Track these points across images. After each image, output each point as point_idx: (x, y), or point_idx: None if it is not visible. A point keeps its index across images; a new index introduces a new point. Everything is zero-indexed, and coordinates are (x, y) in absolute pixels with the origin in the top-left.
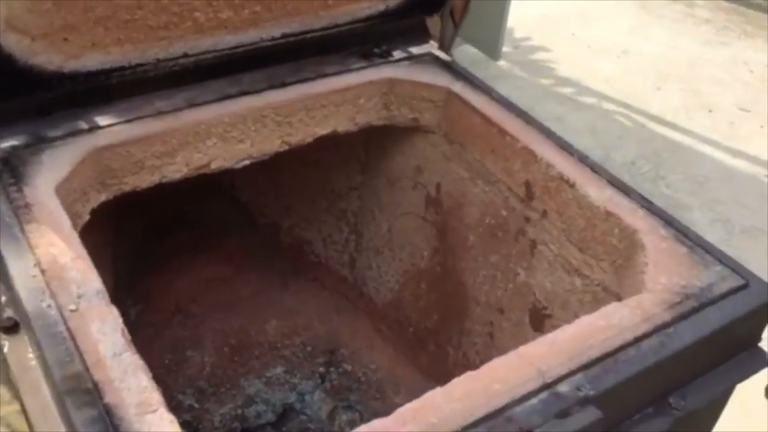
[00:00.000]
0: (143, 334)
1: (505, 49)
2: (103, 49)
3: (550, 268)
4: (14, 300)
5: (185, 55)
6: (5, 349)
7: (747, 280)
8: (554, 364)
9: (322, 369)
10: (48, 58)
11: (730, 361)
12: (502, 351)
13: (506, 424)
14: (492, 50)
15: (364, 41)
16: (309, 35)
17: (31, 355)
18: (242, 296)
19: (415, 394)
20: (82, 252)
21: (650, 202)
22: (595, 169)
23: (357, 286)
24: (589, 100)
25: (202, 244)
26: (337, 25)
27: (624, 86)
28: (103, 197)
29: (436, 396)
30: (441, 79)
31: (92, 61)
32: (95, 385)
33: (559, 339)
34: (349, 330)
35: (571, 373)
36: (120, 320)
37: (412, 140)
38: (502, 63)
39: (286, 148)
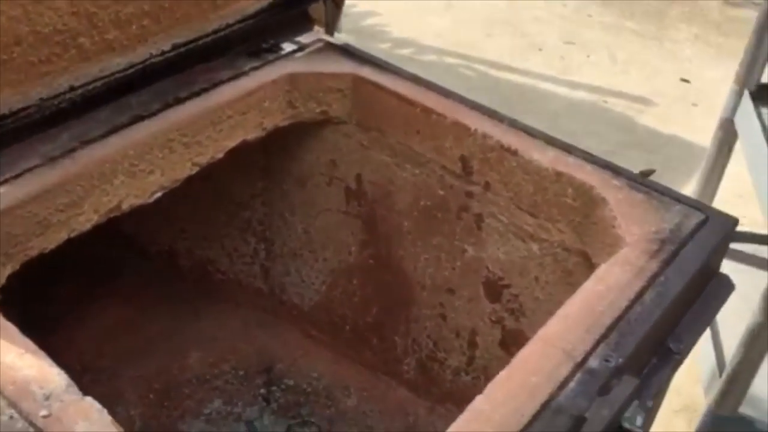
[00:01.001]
0: None
1: None
2: None
3: (502, 239)
4: None
5: (71, 89)
6: None
7: (707, 215)
8: (576, 341)
9: (263, 390)
10: None
11: (703, 293)
12: (458, 329)
13: (557, 416)
14: None
15: (250, 38)
16: (200, 41)
17: None
18: (152, 335)
19: (366, 391)
20: (29, 344)
21: (591, 155)
22: (529, 131)
23: (275, 295)
24: (430, 57)
25: (93, 291)
26: (228, 26)
27: (457, 38)
28: (8, 270)
29: (480, 405)
30: (344, 66)
31: None
32: None
33: (570, 313)
34: (278, 343)
35: (595, 346)
36: (105, 411)
37: (320, 135)
38: (339, 35)
39: (197, 169)
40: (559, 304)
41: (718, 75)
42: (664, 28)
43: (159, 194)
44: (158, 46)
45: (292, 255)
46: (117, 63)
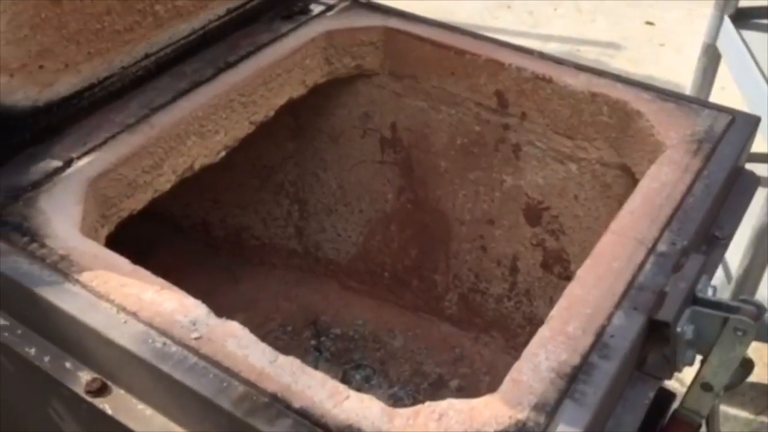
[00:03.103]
0: None
1: None
2: (74, 68)
3: (540, 164)
4: (99, 358)
5: (146, 56)
6: (109, 411)
7: (733, 115)
8: (644, 230)
9: (313, 342)
10: (25, 93)
11: (735, 186)
12: (499, 258)
13: (642, 292)
14: None
15: (281, 3)
16: (248, 5)
17: (141, 406)
18: None
19: (410, 331)
20: (163, 282)
21: (619, 75)
22: (558, 60)
23: (310, 254)
24: None
25: None
26: None
27: (427, 5)
28: (106, 231)
29: (575, 290)
30: (373, 20)
31: (65, 85)
32: (274, 396)
33: (635, 209)
34: (318, 298)
35: (661, 233)
36: (247, 329)
37: (353, 89)
38: None
39: (253, 128)
40: (598, 217)
41: (679, 15)
42: None
43: (223, 153)
44: (216, 11)
45: (326, 212)
46: (182, 29)
